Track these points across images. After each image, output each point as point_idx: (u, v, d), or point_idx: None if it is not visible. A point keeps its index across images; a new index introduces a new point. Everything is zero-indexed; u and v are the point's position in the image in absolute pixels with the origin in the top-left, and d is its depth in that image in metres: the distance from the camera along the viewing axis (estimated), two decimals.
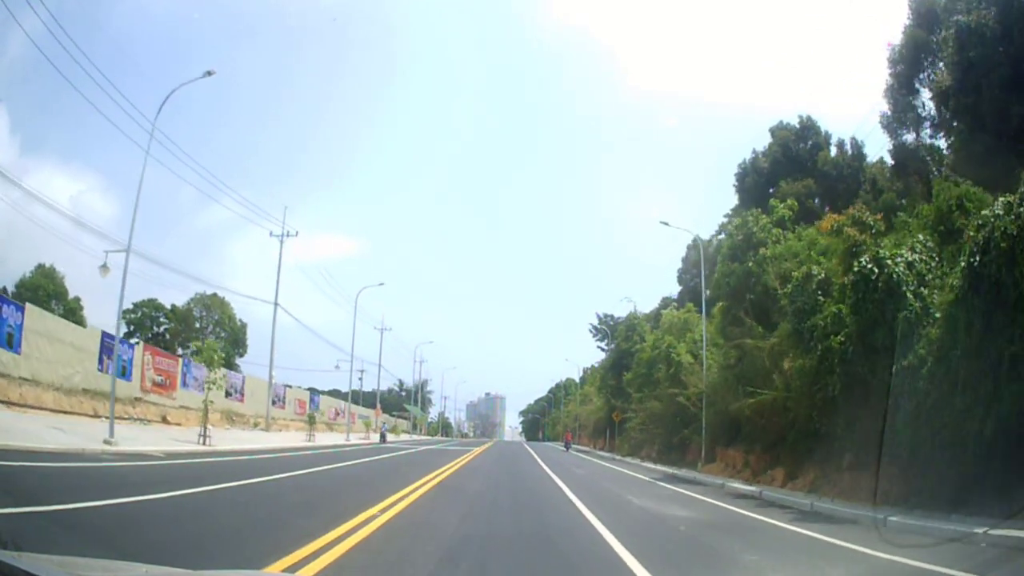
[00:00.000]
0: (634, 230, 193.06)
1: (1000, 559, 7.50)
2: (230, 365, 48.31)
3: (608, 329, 79.43)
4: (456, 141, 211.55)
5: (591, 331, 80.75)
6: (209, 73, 23.18)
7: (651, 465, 29.63)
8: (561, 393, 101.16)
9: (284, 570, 5.26)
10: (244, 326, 58.15)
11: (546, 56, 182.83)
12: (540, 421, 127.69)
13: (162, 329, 58.13)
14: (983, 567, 7.01)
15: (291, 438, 34.89)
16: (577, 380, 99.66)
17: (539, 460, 29.97)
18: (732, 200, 37.64)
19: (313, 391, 65.53)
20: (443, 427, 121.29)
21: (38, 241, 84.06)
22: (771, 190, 32.88)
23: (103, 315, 74.06)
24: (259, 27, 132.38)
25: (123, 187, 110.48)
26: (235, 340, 55.72)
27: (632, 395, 35.93)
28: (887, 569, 7.27)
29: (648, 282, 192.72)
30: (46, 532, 5.92)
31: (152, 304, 57.42)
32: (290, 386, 50.84)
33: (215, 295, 56.02)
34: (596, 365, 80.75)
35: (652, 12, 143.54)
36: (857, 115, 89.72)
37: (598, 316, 79.84)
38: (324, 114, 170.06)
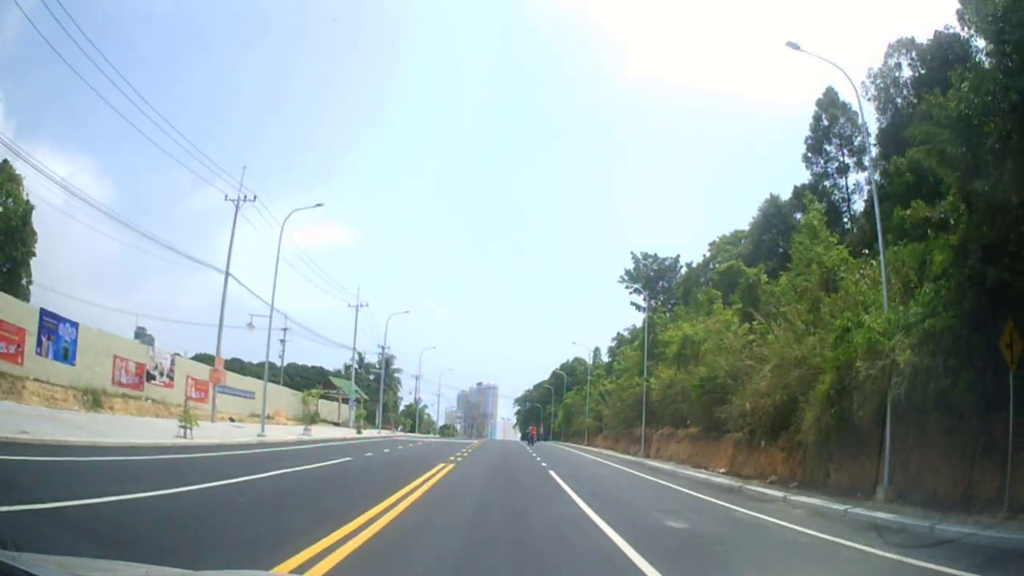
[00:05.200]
0: (636, 219, 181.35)
1: None
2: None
3: (651, 275, 62.01)
4: (454, 134, 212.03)
5: (622, 280, 63.82)
6: None
7: None
8: (582, 371, 79.26)
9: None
10: (30, 209, 32.18)
11: (545, 44, 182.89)
12: (541, 412, 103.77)
13: None
14: None
15: None
16: (586, 364, 79.66)
17: None
18: None
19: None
20: (413, 418, 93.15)
21: None
22: None
23: None
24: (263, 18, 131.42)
25: (118, 172, 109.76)
26: (8, 230, 31.10)
27: None
28: None
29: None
30: None
31: None
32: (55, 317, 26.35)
33: (4, 162, 31.41)
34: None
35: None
36: None
37: (635, 257, 63.55)
38: (324, 107, 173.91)
